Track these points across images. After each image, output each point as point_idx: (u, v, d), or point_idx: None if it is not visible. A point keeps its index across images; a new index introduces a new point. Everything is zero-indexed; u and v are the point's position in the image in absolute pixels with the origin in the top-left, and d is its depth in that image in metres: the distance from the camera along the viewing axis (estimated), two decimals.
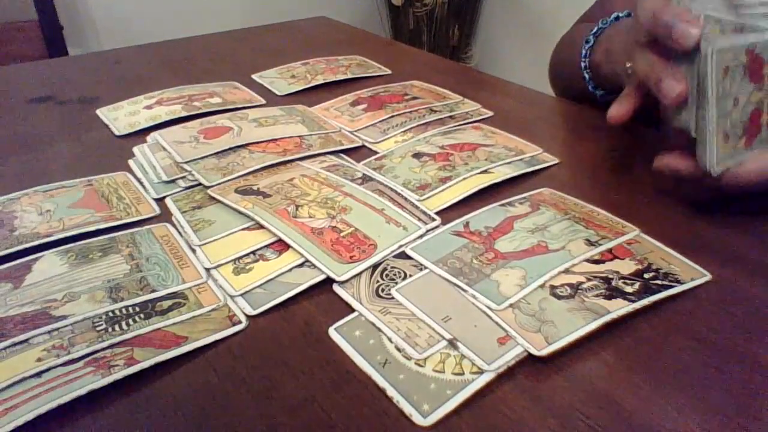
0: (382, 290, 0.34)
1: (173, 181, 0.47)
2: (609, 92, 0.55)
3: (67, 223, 0.41)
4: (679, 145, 0.40)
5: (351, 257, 0.37)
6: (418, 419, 0.27)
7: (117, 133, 0.56)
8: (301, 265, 0.37)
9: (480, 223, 0.40)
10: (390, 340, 0.31)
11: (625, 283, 0.34)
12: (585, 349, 0.31)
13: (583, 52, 0.55)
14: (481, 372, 0.29)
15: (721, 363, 0.30)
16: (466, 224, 0.40)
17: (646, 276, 0.35)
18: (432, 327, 0.32)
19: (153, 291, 0.34)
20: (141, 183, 0.47)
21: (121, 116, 0.59)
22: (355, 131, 0.55)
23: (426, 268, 0.36)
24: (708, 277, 0.35)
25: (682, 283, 0.34)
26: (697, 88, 0.37)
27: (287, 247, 0.38)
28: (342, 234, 0.39)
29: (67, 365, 0.29)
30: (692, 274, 0.35)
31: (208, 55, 0.80)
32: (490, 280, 0.34)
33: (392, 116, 0.57)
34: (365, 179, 0.46)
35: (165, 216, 0.43)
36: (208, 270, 0.36)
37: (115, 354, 0.30)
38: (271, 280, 0.36)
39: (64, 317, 0.32)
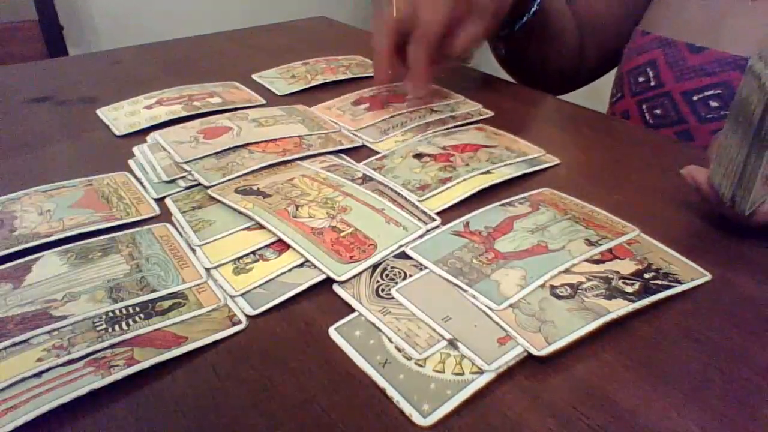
0: (382, 290, 0.34)
1: (173, 181, 0.47)
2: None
3: (67, 223, 0.41)
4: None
5: (351, 257, 0.37)
6: (418, 419, 0.27)
7: (117, 133, 0.56)
8: (301, 265, 0.37)
9: (480, 223, 0.40)
10: (390, 340, 0.31)
11: (625, 283, 0.34)
12: (585, 349, 0.31)
13: None
14: (481, 372, 0.29)
15: (721, 363, 0.30)
16: (466, 224, 0.40)
17: (646, 276, 0.35)
18: (432, 327, 0.31)
19: (153, 291, 0.34)
20: (141, 183, 0.47)
21: (121, 116, 0.59)
22: (356, 131, 0.55)
23: (426, 268, 0.36)
24: (708, 277, 0.35)
25: (682, 283, 0.34)
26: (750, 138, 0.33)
27: (287, 247, 0.38)
28: (342, 234, 0.38)
29: (67, 365, 0.29)
30: (692, 274, 0.35)
31: (208, 55, 0.80)
32: (490, 280, 0.34)
33: (393, 116, 0.57)
34: (365, 179, 0.46)
35: (165, 216, 0.43)
36: (208, 270, 0.36)
37: (115, 354, 0.30)
38: (271, 280, 0.36)
39: (64, 317, 0.32)
